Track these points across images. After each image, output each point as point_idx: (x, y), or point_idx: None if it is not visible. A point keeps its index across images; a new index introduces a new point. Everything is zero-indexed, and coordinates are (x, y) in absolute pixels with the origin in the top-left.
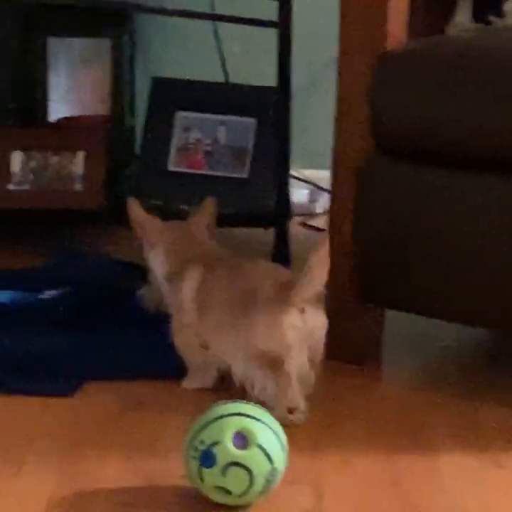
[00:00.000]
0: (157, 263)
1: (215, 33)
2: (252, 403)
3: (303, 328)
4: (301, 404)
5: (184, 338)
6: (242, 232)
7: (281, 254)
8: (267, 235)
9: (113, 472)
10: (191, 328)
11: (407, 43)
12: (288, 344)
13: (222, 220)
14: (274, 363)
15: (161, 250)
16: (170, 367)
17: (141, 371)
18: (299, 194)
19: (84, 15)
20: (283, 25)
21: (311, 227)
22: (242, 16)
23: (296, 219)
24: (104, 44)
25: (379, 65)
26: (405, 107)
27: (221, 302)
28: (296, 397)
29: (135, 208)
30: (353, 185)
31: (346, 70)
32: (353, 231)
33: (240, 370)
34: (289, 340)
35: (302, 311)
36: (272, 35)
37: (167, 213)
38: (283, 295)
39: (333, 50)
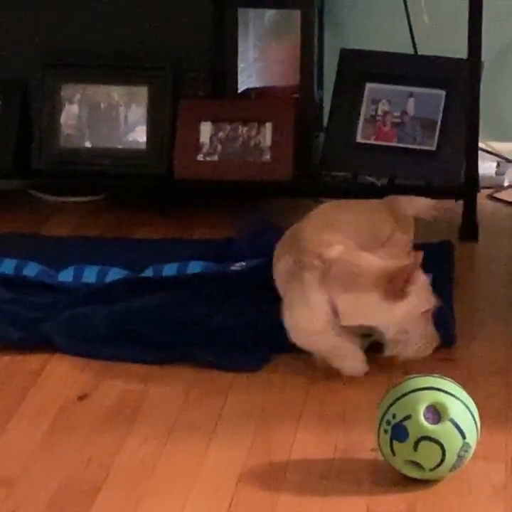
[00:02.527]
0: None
1: (405, 3)
2: (446, 377)
3: None
4: None
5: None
6: None
7: (469, 226)
8: (455, 208)
9: (305, 443)
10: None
11: None
12: None
13: (411, 192)
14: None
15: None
16: None
17: None
18: (486, 166)
19: None
20: None
21: (498, 200)
22: None
23: (484, 192)
24: (294, 15)
25: None
26: None
27: None
28: None
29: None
30: None
31: None
32: None
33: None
34: None
35: None
36: (462, 5)
37: (354, 185)
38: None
39: None
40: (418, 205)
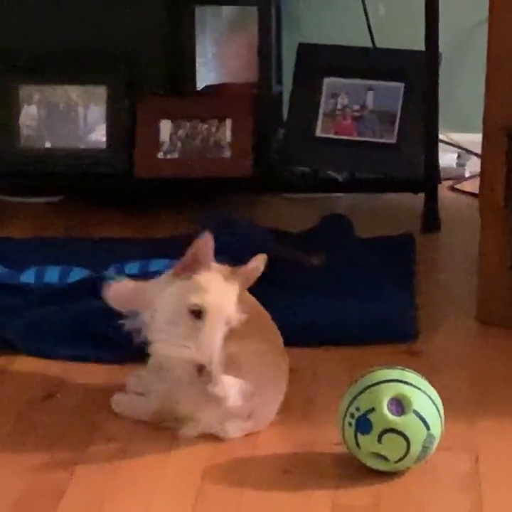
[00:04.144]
0: None
1: None
2: (409, 370)
3: None
4: None
5: None
6: (391, 197)
7: (431, 218)
8: (416, 200)
9: (269, 439)
10: None
11: None
12: None
13: (372, 186)
14: None
15: None
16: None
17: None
18: (447, 158)
19: None
20: None
21: (459, 191)
22: None
23: (445, 183)
24: (251, 11)
25: None
26: None
27: None
28: None
29: None
30: (504, 146)
31: (497, 30)
32: (505, 193)
33: None
34: None
35: None
36: None
37: (315, 180)
38: None
39: (481, 11)
40: None
